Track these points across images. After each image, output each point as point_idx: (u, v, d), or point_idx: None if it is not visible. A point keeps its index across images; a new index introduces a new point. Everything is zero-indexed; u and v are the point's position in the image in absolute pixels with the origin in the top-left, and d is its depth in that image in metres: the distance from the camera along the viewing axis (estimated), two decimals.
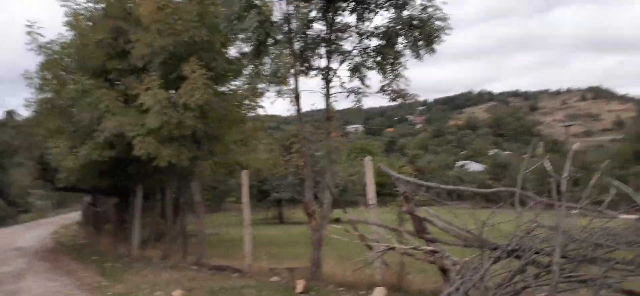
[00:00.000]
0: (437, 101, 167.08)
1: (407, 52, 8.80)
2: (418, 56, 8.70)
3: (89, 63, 11.61)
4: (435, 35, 8.50)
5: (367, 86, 8.82)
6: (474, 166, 54.91)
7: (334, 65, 8.78)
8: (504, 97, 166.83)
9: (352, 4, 8.78)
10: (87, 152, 10.63)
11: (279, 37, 8.60)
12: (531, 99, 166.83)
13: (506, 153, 69.91)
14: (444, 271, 6.39)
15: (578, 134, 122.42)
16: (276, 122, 31.97)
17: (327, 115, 8.67)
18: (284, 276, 8.74)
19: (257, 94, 11.13)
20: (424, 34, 8.49)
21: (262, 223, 27.40)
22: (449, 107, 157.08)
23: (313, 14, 8.26)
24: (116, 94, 10.74)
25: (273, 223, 28.42)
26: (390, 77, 8.80)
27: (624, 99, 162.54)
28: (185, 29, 10.01)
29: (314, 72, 8.81)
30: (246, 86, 11.00)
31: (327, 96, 8.66)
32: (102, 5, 12.08)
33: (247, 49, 9.96)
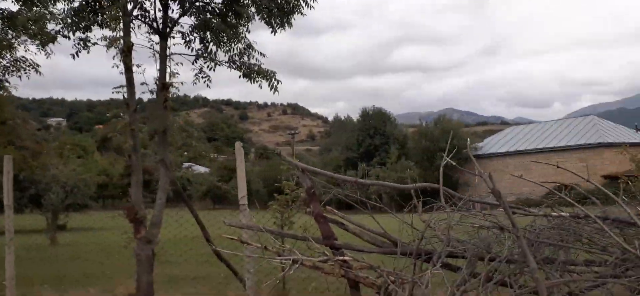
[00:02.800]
0: (151, 101, 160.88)
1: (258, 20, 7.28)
2: (272, 28, 7.26)
3: None
4: (292, 6, 7.22)
5: (211, 53, 6.85)
6: (200, 168, 54.14)
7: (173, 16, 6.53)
8: (218, 105, 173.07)
9: None
10: None
11: None
12: (241, 109, 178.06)
13: (224, 157, 71.71)
14: (355, 286, 5.18)
15: (281, 143, 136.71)
16: None
17: (163, 81, 6.35)
18: None
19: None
20: (277, 3, 7.11)
21: None
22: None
23: None
24: None
25: None
26: (239, 46, 7.08)
27: (315, 116, 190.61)
28: None
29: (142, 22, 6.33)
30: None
31: (163, 56, 6.34)
32: None
33: None
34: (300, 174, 5.22)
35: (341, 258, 5.01)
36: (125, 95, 6.03)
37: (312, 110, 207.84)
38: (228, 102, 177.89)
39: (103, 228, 18.74)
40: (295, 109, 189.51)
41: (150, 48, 6.32)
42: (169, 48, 6.41)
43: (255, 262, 5.27)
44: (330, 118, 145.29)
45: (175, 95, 6.16)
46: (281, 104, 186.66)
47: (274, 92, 7.03)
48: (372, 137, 41.21)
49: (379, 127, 41.53)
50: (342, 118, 74.24)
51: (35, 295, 6.52)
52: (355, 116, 43.71)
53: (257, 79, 7.00)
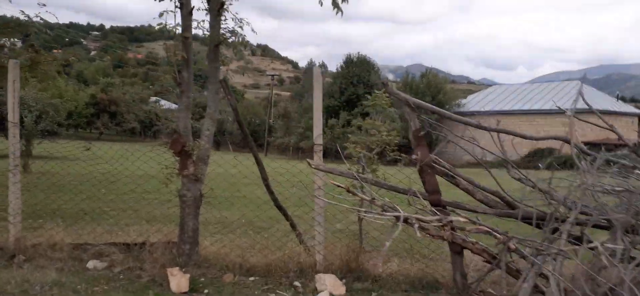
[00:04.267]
0: (113, 29, 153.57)
1: None
2: None
3: None
4: None
5: None
6: (166, 104, 51.57)
7: None
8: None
9: None
10: None
11: None
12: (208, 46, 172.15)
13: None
14: (459, 252, 4.33)
15: (248, 85, 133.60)
16: None
17: None
18: (115, 261, 4.83)
19: None
20: None
21: None
22: (128, 39, 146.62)
23: None
24: None
25: None
26: None
27: (285, 60, 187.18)
28: None
29: None
30: None
31: None
32: None
33: None
34: (409, 111, 4.22)
35: (455, 218, 4.12)
36: None
37: (282, 53, 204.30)
38: (195, 37, 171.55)
39: (76, 159, 17.26)
40: (265, 51, 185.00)
41: None
42: None
43: (327, 213, 4.32)
44: (301, 63, 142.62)
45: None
46: (251, 44, 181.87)
47: (337, 13, 5.87)
48: (355, 86, 40.13)
49: (363, 76, 40.40)
50: (317, 64, 72.58)
51: (43, 231, 5.37)
52: (329, 63, 42.58)
53: None
